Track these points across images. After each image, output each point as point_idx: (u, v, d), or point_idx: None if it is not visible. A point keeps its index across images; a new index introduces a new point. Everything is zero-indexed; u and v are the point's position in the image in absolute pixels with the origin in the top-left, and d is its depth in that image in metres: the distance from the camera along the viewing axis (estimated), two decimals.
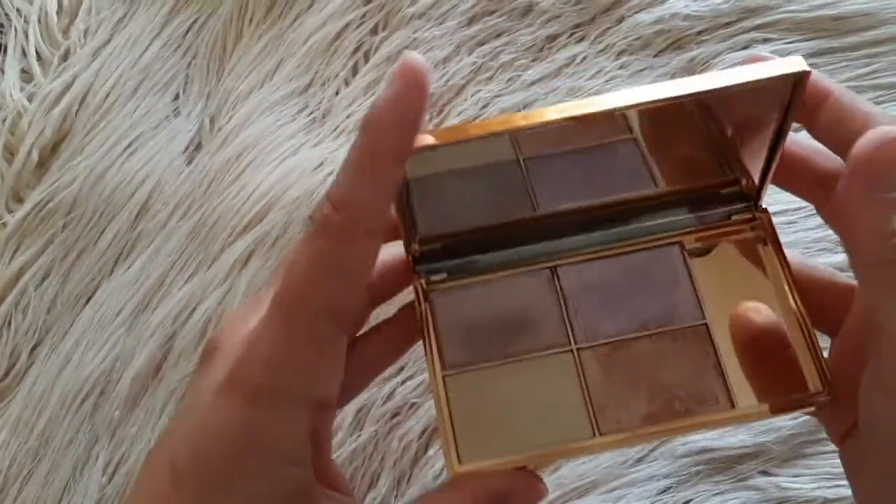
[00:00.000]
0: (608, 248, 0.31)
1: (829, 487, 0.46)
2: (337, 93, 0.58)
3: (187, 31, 0.61)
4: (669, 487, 0.47)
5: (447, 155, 0.26)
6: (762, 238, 0.31)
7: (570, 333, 0.29)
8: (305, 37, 0.59)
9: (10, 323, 0.53)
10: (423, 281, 0.31)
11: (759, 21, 0.56)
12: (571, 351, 0.29)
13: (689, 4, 0.57)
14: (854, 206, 0.24)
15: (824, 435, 0.31)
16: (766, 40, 0.56)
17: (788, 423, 0.47)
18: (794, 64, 0.25)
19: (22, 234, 0.55)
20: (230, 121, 0.57)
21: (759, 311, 0.30)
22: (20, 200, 0.56)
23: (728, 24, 0.57)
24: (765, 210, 0.31)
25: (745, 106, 0.28)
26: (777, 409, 0.28)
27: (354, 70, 0.59)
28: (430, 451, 0.49)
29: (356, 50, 0.59)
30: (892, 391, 0.24)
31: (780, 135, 0.28)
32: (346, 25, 0.59)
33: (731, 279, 0.30)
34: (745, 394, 0.28)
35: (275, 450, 0.25)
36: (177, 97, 0.59)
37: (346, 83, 0.59)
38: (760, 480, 0.47)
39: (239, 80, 0.58)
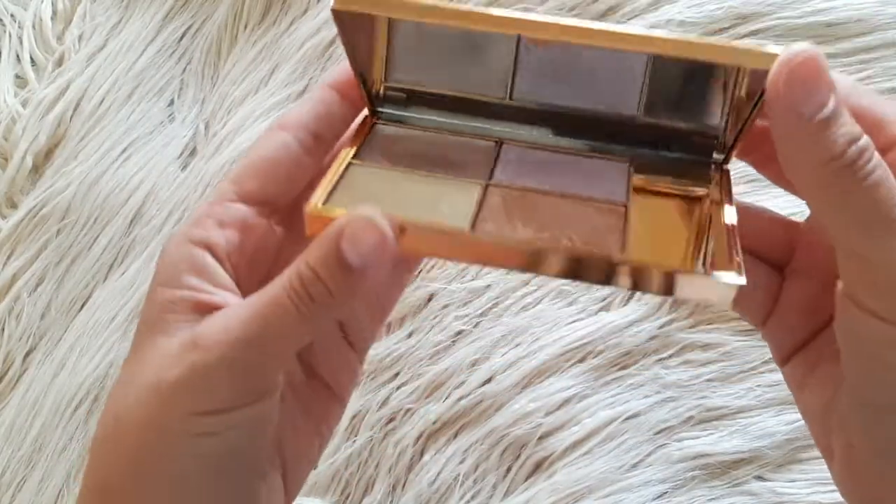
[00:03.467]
0: (565, 148, 0.31)
1: (824, 492, 0.46)
2: None
3: (182, 37, 0.61)
4: (665, 493, 0.47)
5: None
6: (715, 191, 0.30)
7: (489, 176, 0.29)
8: (300, 42, 0.59)
9: (3, 329, 0.53)
10: (377, 115, 0.31)
11: (752, 27, 0.57)
12: (481, 185, 0.29)
13: (683, 11, 0.57)
14: (783, 139, 0.24)
15: None
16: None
17: (783, 428, 0.48)
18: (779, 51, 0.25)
19: (16, 239, 0.55)
20: (225, 126, 0.57)
21: None
22: (14, 206, 0.56)
23: (722, 31, 0.57)
24: (727, 171, 0.31)
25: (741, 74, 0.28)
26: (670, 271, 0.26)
27: None
28: (426, 457, 0.49)
29: None
30: (863, 308, 0.24)
31: (756, 105, 0.27)
32: None
33: (664, 224, 0.30)
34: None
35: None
36: (171, 103, 0.59)
37: None
38: (756, 486, 0.47)
39: (234, 86, 0.58)
